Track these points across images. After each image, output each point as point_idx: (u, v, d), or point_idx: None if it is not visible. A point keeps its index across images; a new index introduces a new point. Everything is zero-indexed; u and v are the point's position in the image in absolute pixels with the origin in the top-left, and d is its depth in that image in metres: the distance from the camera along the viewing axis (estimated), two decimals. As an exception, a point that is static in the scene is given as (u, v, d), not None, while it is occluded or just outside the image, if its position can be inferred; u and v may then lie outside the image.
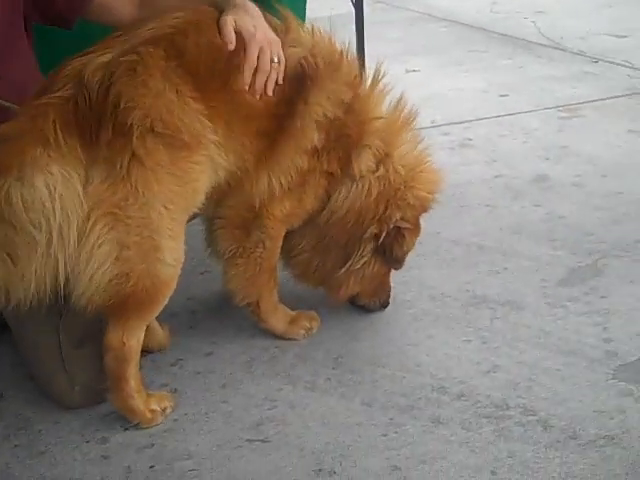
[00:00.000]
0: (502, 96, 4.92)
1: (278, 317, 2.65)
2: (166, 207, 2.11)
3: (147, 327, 2.51)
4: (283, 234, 2.56)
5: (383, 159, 2.51)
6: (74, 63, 2.13)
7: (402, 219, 2.54)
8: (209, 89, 2.17)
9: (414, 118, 2.59)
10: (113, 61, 2.09)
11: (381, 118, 2.51)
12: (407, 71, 5.46)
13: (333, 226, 2.54)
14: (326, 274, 2.60)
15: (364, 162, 2.49)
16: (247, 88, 2.22)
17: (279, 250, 2.58)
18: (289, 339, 2.63)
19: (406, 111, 2.56)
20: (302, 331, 2.66)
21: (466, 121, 4.50)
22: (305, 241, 2.60)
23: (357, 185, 2.50)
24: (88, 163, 2.02)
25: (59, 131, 1.99)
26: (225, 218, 2.48)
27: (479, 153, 4.07)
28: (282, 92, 2.31)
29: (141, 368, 2.43)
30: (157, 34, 2.17)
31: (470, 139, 4.25)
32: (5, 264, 1.97)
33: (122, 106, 2.04)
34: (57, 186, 1.97)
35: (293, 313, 2.68)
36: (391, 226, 2.53)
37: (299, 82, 2.33)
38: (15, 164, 1.95)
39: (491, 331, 2.63)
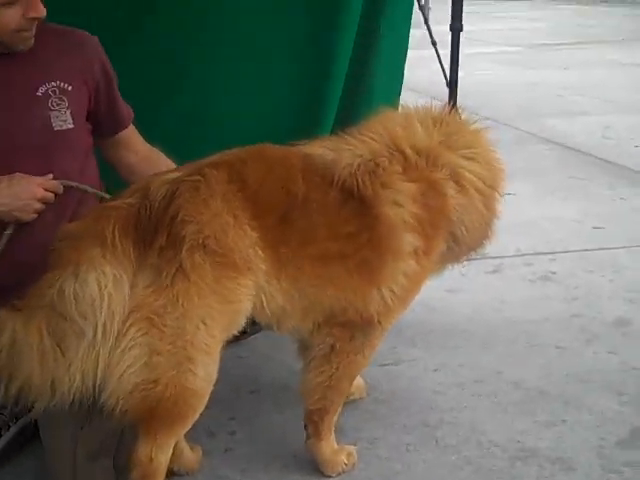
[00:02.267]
0: (596, 228, 4.75)
1: (329, 440, 2.56)
2: (204, 322, 2.13)
3: (176, 447, 2.49)
4: None
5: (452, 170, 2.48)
6: (146, 179, 2.27)
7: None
8: (265, 218, 2.21)
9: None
10: (179, 179, 2.20)
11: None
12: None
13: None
14: None
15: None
16: None
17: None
18: (324, 472, 2.54)
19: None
20: (340, 467, 2.56)
21: (552, 252, 4.36)
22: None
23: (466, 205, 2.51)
24: (137, 267, 2.10)
25: (117, 234, 2.09)
26: (332, 316, 2.40)
27: (560, 288, 3.90)
28: (342, 210, 2.32)
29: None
30: (221, 159, 2.28)
31: (553, 272, 4.09)
32: (55, 354, 2.04)
33: (179, 218, 2.11)
34: (108, 285, 2.05)
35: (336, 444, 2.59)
36: None
37: (359, 196, 2.32)
38: (73, 260, 2.06)
39: (535, 491, 2.46)
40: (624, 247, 4.44)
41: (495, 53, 13.22)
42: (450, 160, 2.48)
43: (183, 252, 2.10)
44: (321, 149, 2.40)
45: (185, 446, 2.52)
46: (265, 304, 2.26)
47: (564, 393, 2.98)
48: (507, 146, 6.72)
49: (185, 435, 2.52)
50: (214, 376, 2.22)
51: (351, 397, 2.90)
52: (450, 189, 2.47)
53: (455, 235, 2.54)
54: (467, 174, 2.50)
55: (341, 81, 3.34)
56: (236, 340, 2.89)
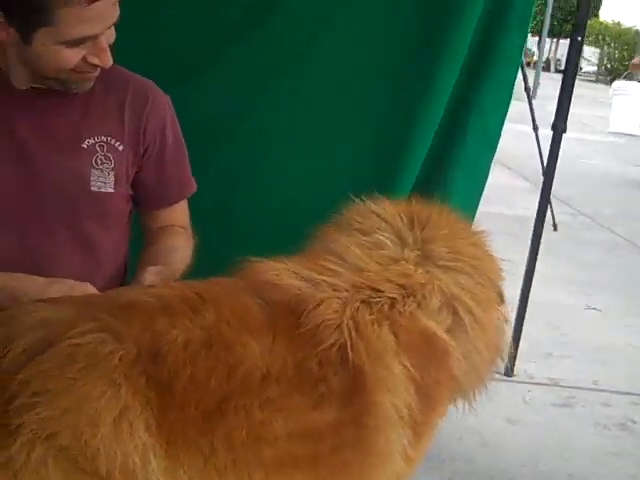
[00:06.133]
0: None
1: None
2: None
3: None
4: None
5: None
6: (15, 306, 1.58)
7: None
8: (177, 412, 1.43)
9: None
10: (58, 321, 1.45)
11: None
12: (587, 307, 4.77)
13: None
14: None
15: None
16: None
17: None
18: None
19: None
20: None
21: (637, 394, 3.72)
22: None
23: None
24: None
25: None
26: None
27: (637, 444, 3.27)
28: (316, 390, 1.56)
29: None
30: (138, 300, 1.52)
31: (634, 421, 3.45)
32: None
33: (24, 395, 1.35)
34: None
35: None
36: None
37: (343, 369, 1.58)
38: None
39: None
40: None
41: (601, 142, 12.55)
42: (434, 280, 1.73)
43: (17, 445, 1.34)
44: (292, 279, 1.65)
45: None
46: None
47: None
48: (599, 251, 6.11)
49: None
50: None
51: None
52: (447, 336, 1.72)
53: (459, 386, 1.81)
54: (460, 294, 1.74)
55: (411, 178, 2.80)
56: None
